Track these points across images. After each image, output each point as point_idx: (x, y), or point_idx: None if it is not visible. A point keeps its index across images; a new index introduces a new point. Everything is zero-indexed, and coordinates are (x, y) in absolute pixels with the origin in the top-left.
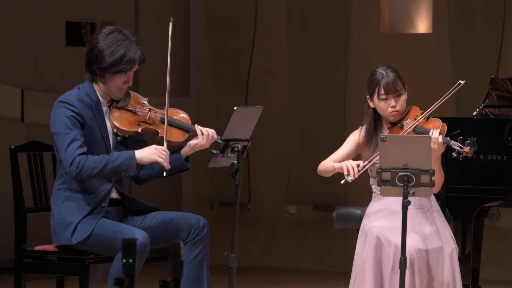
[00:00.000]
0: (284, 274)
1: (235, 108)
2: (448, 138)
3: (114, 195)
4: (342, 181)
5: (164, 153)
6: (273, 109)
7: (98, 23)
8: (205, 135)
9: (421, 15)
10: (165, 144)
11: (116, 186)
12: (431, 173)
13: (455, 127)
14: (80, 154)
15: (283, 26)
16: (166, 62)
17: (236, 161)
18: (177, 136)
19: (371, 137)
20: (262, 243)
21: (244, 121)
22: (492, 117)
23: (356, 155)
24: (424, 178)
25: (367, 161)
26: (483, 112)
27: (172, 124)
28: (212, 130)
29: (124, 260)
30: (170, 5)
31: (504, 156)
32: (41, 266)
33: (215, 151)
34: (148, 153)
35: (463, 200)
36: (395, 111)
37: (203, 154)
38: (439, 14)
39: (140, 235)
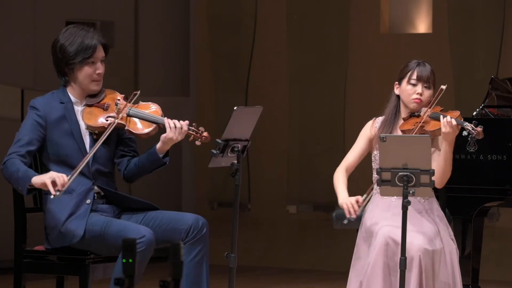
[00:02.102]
0: (284, 274)
1: (235, 108)
2: (462, 120)
3: (97, 189)
4: (345, 221)
5: (57, 179)
6: (273, 109)
7: (98, 23)
8: (172, 127)
9: (421, 15)
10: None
11: (97, 183)
12: (431, 173)
13: None
14: (15, 153)
15: (283, 26)
16: (166, 63)
17: (236, 161)
18: (142, 127)
19: (389, 122)
20: (262, 243)
21: (244, 121)
22: (492, 117)
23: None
24: (424, 178)
25: (365, 194)
26: (483, 112)
27: (137, 115)
28: (184, 122)
29: (124, 260)
30: (170, 5)
31: (504, 156)
32: (41, 266)
33: (215, 151)
34: (43, 176)
35: (463, 200)
36: (419, 99)
37: (203, 154)
38: (439, 14)
39: (146, 232)
